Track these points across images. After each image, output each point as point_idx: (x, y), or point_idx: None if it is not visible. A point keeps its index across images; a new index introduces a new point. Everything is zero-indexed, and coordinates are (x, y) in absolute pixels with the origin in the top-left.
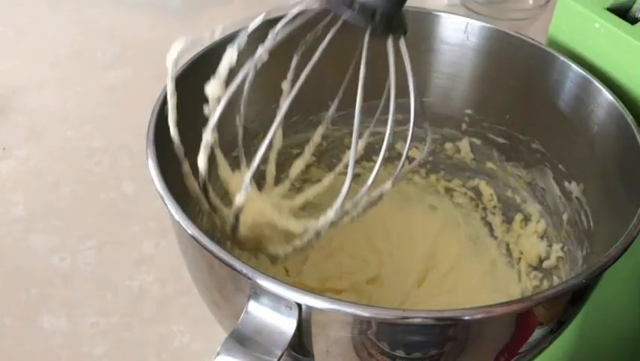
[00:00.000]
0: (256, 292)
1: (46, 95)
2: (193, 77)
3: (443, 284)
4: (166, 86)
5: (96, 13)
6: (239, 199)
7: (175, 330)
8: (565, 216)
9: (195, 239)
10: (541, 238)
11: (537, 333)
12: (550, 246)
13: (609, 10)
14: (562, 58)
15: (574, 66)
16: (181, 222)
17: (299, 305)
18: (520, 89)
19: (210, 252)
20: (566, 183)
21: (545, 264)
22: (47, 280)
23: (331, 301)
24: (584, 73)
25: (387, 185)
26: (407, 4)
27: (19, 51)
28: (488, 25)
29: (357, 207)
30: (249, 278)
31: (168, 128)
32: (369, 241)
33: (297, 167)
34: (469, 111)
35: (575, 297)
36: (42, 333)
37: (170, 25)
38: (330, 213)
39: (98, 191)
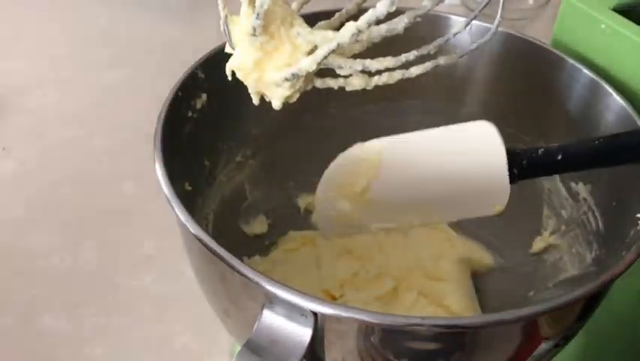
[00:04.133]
0: (271, 301)
1: (46, 95)
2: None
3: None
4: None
5: (96, 13)
6: None
7: (175, 330)
8: (572, 218)
9: (207, 247)
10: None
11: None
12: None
13: (614, 10)
14: (570, 60)
15: (582, 68)
16: (192, 230)
17: (314, 314)
18: (526, 90)
19: (223, 260)
20: (573, 184)
21: None
22: (47, 280)
23: (347, 309)
24: (592, 75)
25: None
26: (405, 4)
27: (19, 51)
28: (489, 25)
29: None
30: (264, 287)
31: (174, 132)
32: (378, 243)
33: None
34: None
35: (590, 300)
36: (42, 333)
37: (170, 25)
38: (350, 26)
39: (98, 191)
